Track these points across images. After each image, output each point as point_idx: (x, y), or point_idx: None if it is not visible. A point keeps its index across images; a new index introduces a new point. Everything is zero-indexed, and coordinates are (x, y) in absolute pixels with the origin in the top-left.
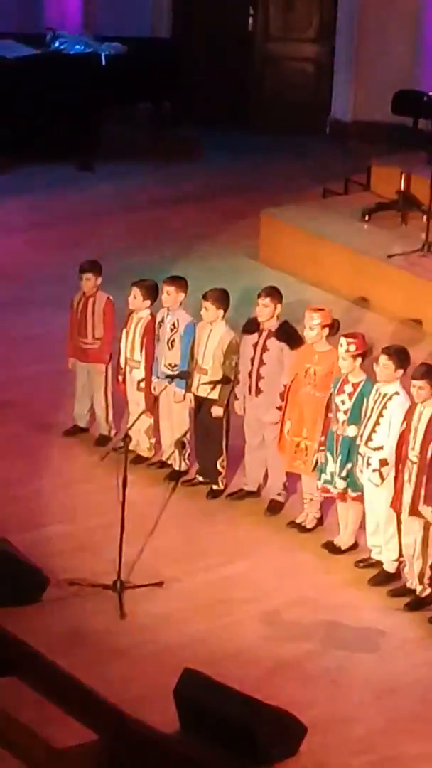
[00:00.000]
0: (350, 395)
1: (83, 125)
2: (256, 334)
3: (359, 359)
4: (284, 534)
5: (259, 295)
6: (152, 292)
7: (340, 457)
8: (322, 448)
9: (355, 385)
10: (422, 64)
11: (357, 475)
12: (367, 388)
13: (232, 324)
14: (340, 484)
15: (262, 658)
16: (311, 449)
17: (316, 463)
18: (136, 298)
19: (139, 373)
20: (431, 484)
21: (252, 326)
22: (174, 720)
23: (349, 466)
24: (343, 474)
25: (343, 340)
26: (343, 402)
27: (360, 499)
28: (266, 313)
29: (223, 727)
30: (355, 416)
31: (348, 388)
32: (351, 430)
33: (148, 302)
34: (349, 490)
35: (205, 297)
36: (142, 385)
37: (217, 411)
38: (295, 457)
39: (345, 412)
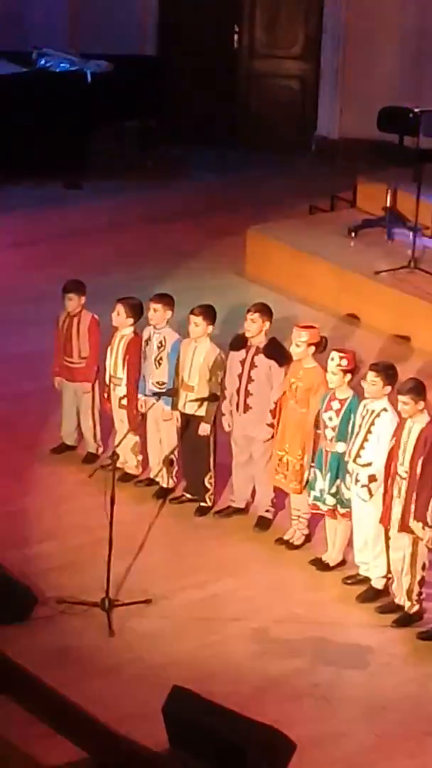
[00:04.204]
0: (337, 412)
1: (69, 143)
2: (243, 351)
3: (348, 375)
4: (272, 551)
5: (249, 310)
6: (136, 310)
7: (329, 474)
8: (312, 464)
9: (342, 402)
10: (407, 81)
11: (343, 492)
12: (354, 405)
13: (218, 341)
14: (330, 500)
15: (250, 676)
16: (291, 464)
17: (307, 481)
18: (119, 314)
19: (122, 390)
20: (421, 500)
21: (239, 342)
22: (163, 737)
23: (338, 482)
24: (333, 491)
25: (334, 354)
26: (330, 419)
27: (349, 515)
28: (254, 328)
29: (212, 745)
30: (343, 433)
31: (335, 404)
32: (339, 447)
33: (132, 320)
34: (338, 507)
35: (193, 312)
36: (124, 402)
37: (204, 429)
38: (278, 470)
39: (333, 429)
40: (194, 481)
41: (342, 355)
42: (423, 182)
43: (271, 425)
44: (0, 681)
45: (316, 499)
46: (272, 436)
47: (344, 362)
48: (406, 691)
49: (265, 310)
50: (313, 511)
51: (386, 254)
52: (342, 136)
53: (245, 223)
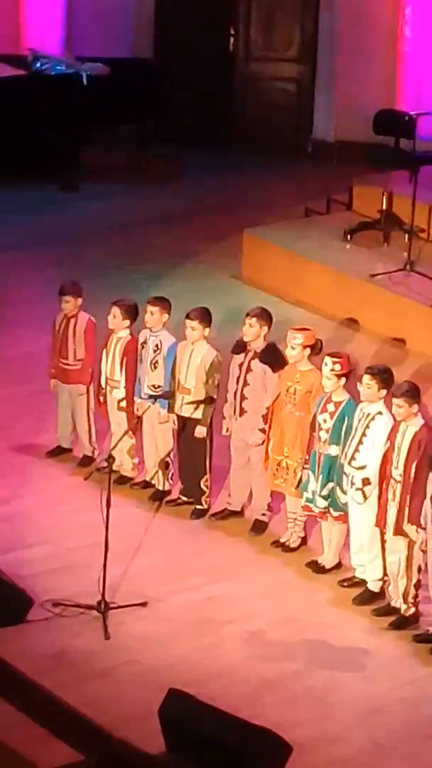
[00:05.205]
0: (332, 414)
1: (66, 146)
2: (242, 355)
3: (343, 379)
4: (268, 554)
5: (247, 315)
6: (132, 312)
7: (321, 476)
8: (306, 466)
9: (337, 405)
10: (403, 84)
11: (338, 495)
12: (349, 408)
13: (215, 344)
14: (321, 503)
15: (246, 678)
16: (292, 468)
17: (300, 482)
18: (115, 317)
19: (120, 392)
20: (414, 503)
21: (240, 346)
22: (159, 740)
23: (330, 485)
24: (324, 493)
25: (327, 360)
26: (325, 421)
27: (342, 518)
28: (252, 333)
29: (208, 747)
30: (336, 435)
31: (330, 407)
32: (332, 449)
33: (128, 322)
34: (331, 510)
35: (189, 317)
36: (123, 404)
37: (200, 431)
38: (276, 475)
39: (327, 431)
40: (190, 484)
41: (335, 360)
42: (419, 185)
43: (263, 430)
44: None
45: (308, 500)
46: (263, 442)
47: (337, 367)
48: (403, 693)
49: (263, 315)
50: (306, 513)
51: (382, 257)
52: (338, 138)
53: (241, 226)
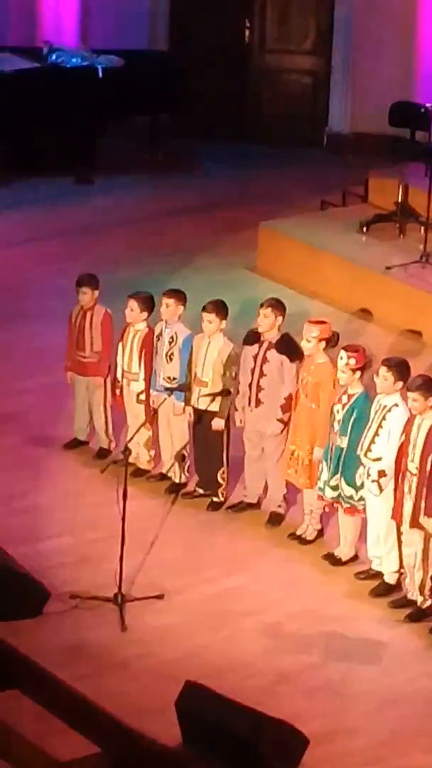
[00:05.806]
0: (344, 406)
1: (81, 138)
2: (256, 346)
3: (358, 373)
4: (285, 546)
5: (261, 305)
6: (148, 304)
7: (332, 467)
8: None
9: (350, 397)
10: (419, 76)
11: (342, 488)
12: (360, 401)
13: (231, 336)
14: (329, 493)
15: (263, 671)
16: (302, 459)
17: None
18: (132, 310)
19: (138, 385)
20: (431, 496)
21: (253, 337)
22: (176, 732)
23: (337, 476)
24: (333, 484)
25: (343, 353)
26: (338, 412)
27: (350, 511)
28: (267, 323)
29: (224, 740)
30: (345, 427)
31: (344, 398)
32: (341, 441)
33: (145, 314)
34: (342, 502)
35: (205, 309)
36: (142, 397)
37: (218, 423)
38: (289, 464)
39: (338, 422)
40: (207, 476)
41: (351, 354)
42: None
43: (281, 420)
44: (13, 676)
45: (319, 489)
46: (282, 432)
47: (352, 361)
48: (419, 685)
49: (277, 306)
50: (320, 500)
51: (398, 249)
52: (353, 130)
53: (257, 218)
